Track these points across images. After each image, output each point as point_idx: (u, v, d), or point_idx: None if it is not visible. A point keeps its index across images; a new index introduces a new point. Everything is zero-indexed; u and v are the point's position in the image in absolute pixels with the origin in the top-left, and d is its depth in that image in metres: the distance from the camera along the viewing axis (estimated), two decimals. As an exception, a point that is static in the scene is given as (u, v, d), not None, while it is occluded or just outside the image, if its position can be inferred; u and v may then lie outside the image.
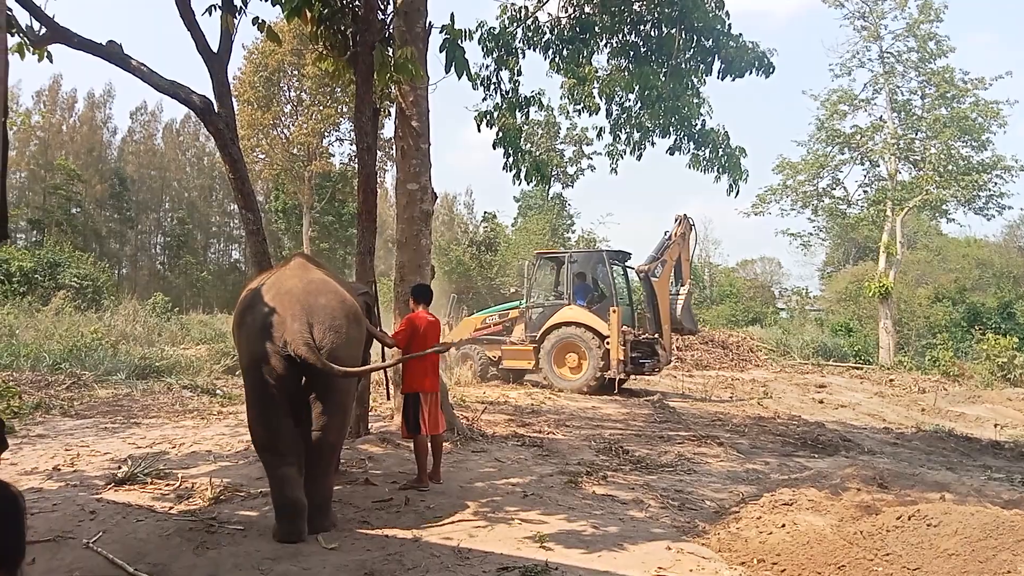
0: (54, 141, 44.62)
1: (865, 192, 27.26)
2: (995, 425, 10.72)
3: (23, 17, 5.69)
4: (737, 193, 9.18)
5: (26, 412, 8.43)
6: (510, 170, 9.35)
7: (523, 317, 14.55)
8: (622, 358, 12.84)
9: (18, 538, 1.38)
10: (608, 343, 12.98)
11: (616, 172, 10.13)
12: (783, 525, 4.75)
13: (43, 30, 5.75)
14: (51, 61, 6.18)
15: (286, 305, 4.42)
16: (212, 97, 6.08)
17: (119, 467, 5.77)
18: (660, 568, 4.07)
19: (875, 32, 25.25)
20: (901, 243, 26.22)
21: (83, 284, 25.04)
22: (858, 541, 4.31)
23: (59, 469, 5.94)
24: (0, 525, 1.33)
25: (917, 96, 25.47)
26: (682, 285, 14.56)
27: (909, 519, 4.35)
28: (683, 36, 8.59)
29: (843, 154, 26.55)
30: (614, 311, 13.01)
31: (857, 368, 21.98)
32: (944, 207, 26.01)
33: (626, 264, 14.82)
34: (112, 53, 5.72)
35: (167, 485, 5.48)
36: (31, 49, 5.93)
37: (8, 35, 5.49)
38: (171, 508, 4.88)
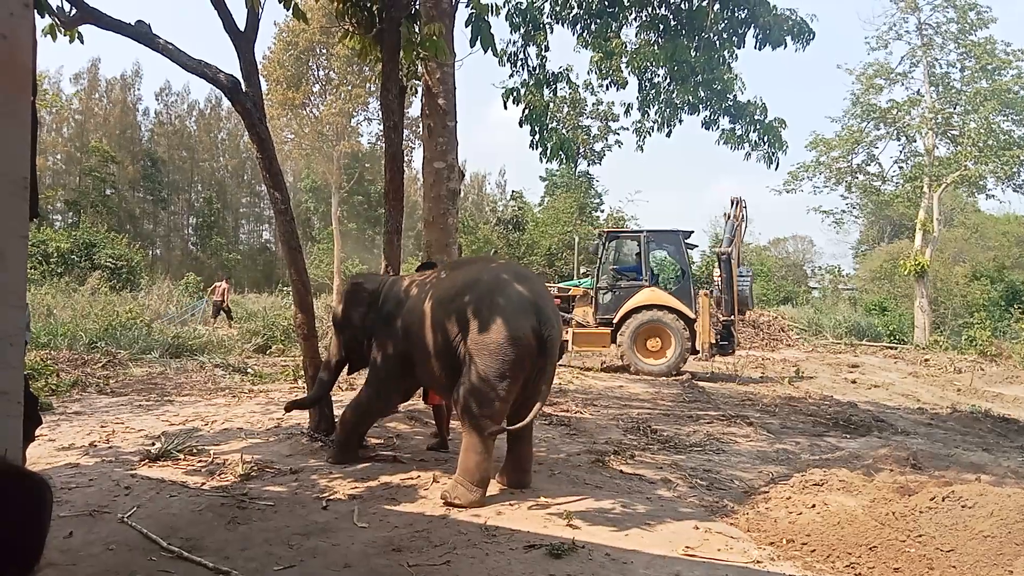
0: (89, 123, 45.29)
1: (901, 168, 26.71)
2: (1034, 406, 10.49)
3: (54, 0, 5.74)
4: (777, 166, 8.91)
5: (64, 389, 8.62)
6: (537, 148, 9.27)
7: (587, 298, 14.12)
8: (713, 341, 12.89)
9: (36, 537, 1.17)
10: (698, 326, 12.95)
11: (643, 149, 10.01)
12: (813, 505, 4.70)
13: (73, 11, 5.79)
14: (82, 42, 6.23)
15: (534, 291, 4.86)
16: (239, 76, 6.08)
17: (153, 443, 5.86)
18: (688, 547, 4.04)
19: (913, 3, 24.54)
20: (938, 220, 25.61)
21: (118, 264, 25.53)
22: (890, 522, 4.24)
23: (95, 445, 6.04)
24: (12, 521, 1.14)
25: (956, 69, 24.79)
26: (741, 266, 14.57)
27: (943, 500, 4.27)
28: (715, 8, 8.39)
29: (878, 129, 25.99)
30: (705, 295, 13.08)
31: (891, 348, 21.64)
32: (983, 183, 25.39)
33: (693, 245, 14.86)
34: (140, 33, 5.74)
35: (199, 461, 5.55)
36: (62, 31, 5.97)
37: (39, 16, 5.55)
38: (203, 484, 4.96)
